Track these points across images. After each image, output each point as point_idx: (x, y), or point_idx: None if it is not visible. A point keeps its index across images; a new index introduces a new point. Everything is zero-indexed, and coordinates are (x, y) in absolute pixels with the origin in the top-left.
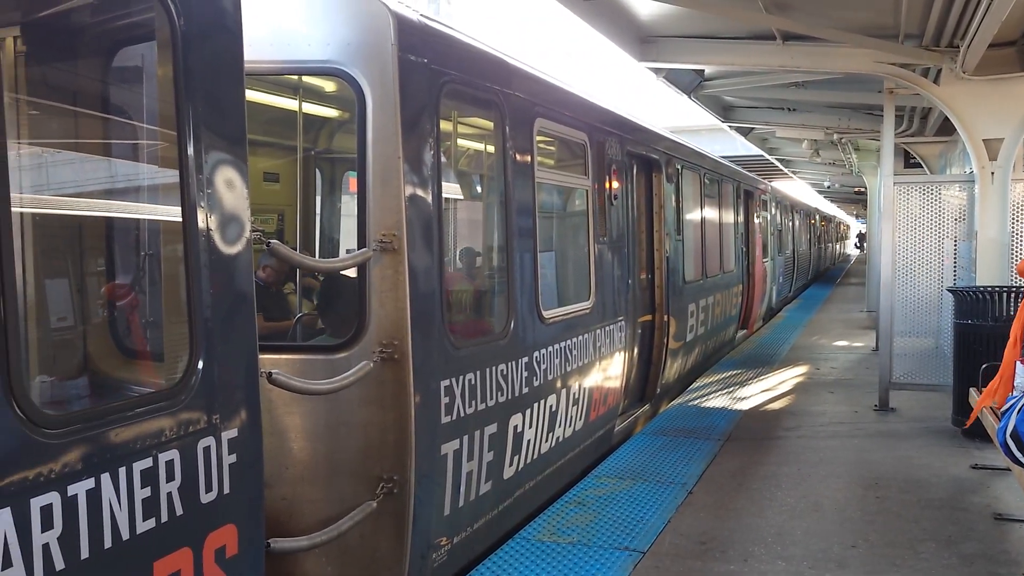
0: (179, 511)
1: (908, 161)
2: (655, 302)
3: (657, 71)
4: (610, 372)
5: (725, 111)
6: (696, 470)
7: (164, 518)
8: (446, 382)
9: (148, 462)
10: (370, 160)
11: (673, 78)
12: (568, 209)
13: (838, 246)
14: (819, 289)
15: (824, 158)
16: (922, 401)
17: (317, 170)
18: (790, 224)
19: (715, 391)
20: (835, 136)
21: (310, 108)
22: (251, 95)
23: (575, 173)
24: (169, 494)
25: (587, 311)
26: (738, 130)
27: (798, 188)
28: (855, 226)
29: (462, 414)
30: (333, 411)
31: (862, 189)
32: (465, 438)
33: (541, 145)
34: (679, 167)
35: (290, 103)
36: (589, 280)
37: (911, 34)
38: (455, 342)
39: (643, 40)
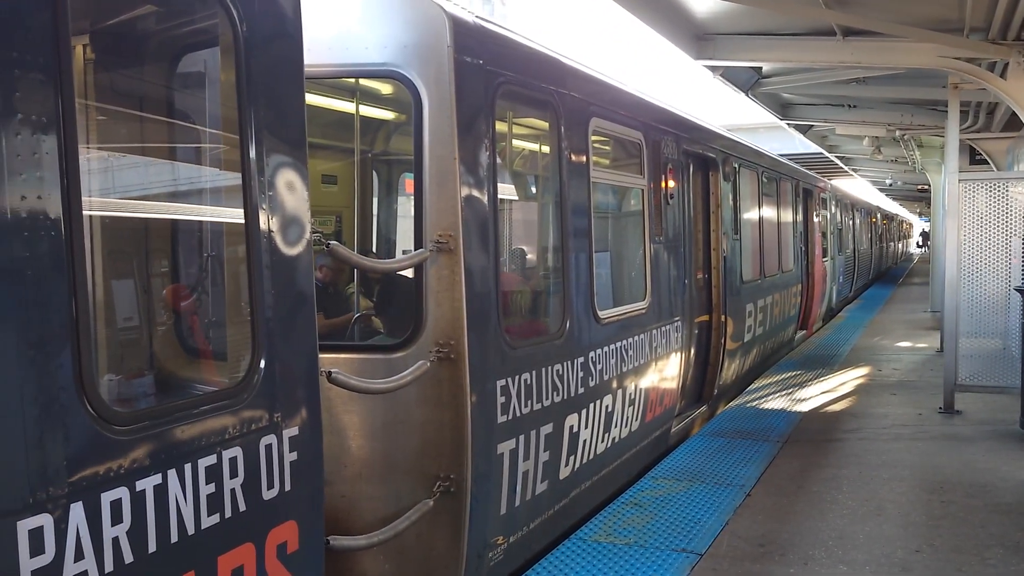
0: (242, 507)
1: (974, 157)
2: (712, 302)
3: (714, 69)
4: (666, 373)
5: (783, 109)
6: (754, 472)
7: (228, 514)
8: (502, 382)
9: (212, 459)
10: (426, 161)
11: (730, 76)
12: (624, 209)
13: (900, 245)
14: (881, 289)
15: (886, 155)
16: (989, 404)
17: (374, 172)
18: (850, 222)
19: (773, 392)
20: (897, 133)
21: (367, 111)
22: (310, 98)
23: (631, 172)
24: (232, 490)
25: (643, 311)
26: (796, 128)
27: (859, 186)
28: (918, 224)
29: (518, 414)
30: (391, 410)
31: (925, 187)
32: (521, 438)
33: (596, 145)
34: (736, 165)
35: (347, 106)
36: (645, 280)
37: (977, 27)
38: (511, 342)
39: (699, 38)
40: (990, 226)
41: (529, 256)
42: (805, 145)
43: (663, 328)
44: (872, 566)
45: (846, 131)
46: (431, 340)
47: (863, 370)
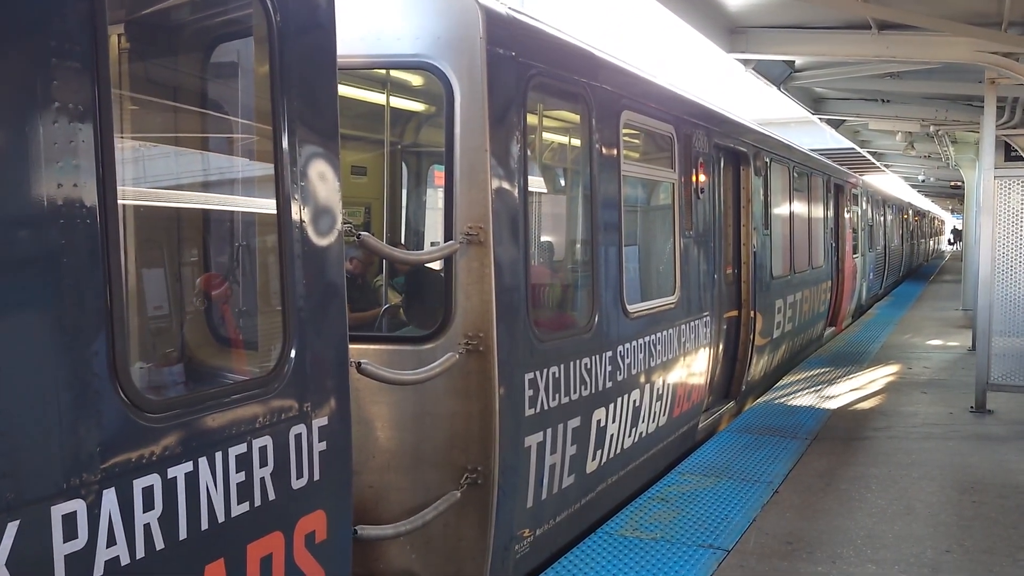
0: (271, 496)
1: (1009, 154)
2: (741, 297)
3: (746, 63)
4: (694, 368)
5: (815, 103)
6: (782, 469)
7: (257, 502)
8: (530, 375)
9: (243, 447)
10: (457, 153)
11: (762, 69)
12: (654, 203)
13: (932, 242)
14: (911, 286)
15: (919, 151)
16: (1021, 404)
17: (404, 163)
18: (882, 219)
19: (802, 389)
20: (931, 128)
21: (397, 102)
22: (341, 89)
23: (661, 166)
24: (262, 479)
25: (672, 306)
26: (829, 122)
27: (891, 182)
28: (950, 221)
29: (546, 407)
30: (419, 401)
31: (959, 183)
32: (548, 431)
33: (627, 138)
34: (767, 160)
35: (378, 97)
36: (674, 274)
37: (1015, 22)
38: (539, 335)
39: (732, 31)
40: None
41: (559, 249)
42: (837, 140)
43: (692, 323)
44: (901, 565)
45: (879, 126)
46: (460, 332)
47: (893, 368)
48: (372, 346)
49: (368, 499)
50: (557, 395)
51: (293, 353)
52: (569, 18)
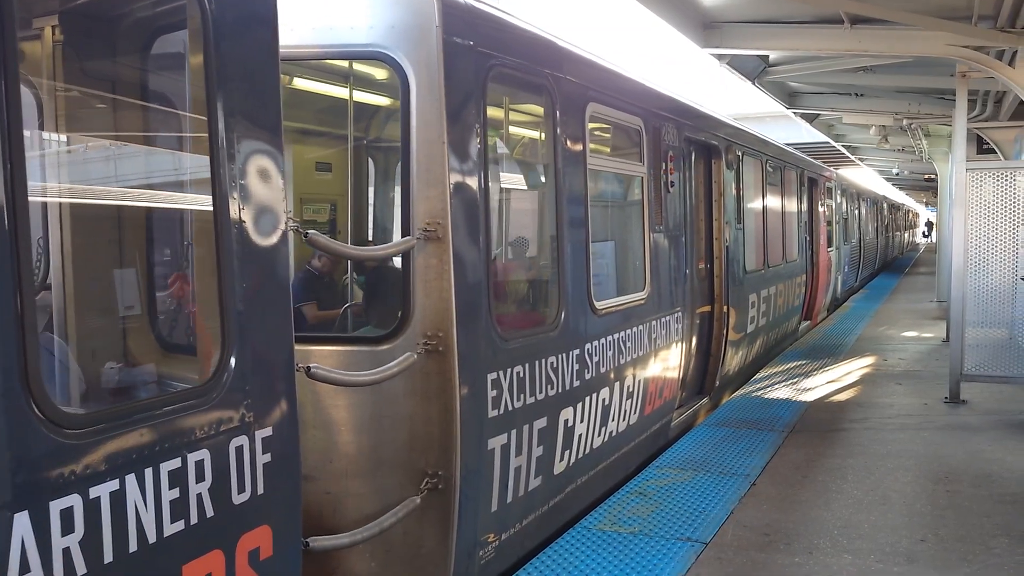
0: (209, 513)
1: (981, 147)
2: (714, 292)
3: (720, 57)
4: (666, 365)
5: (790, 97)
6: (760, 461)
7: (194, 520)
8: (493, 375)
9: (176, 462)
10: (414, 146)
11: (737, 64)
12: (622, 197)
13: (907, 235)
14: (887, 279)
15: (893, 144)
16: (995, 393)
17: (370, 159)
18: (856, 212)
19: (779, 382)
20: (904, 122)
21: (362, 96)
22: (302, 83)
23: (630, 160)
24: (199, 495)
25: (642, 302)
26: (803, 117)
27: (865, 175)
28: (924, 214)
29: (510, 408)
30: (377, 404)
31: (932, 176)
32: (513, 432)
33: (594, 131)
34: (740, 153)
35: (342, 91)
36: (644, 270)
37: (985, 15)
38: (503, 334)
39: (706, 26)
40: (997, 215)
41: (522, 246)
42: (812, 134)
43: (663, 319)
44: (877, 555)
45: (853, 120)
46: (419, 331)
47: (869, 360)
48: (331, 347)
49: (326, 505)
50: (522, 395)
51: (233, 360)
52: (547, 16)
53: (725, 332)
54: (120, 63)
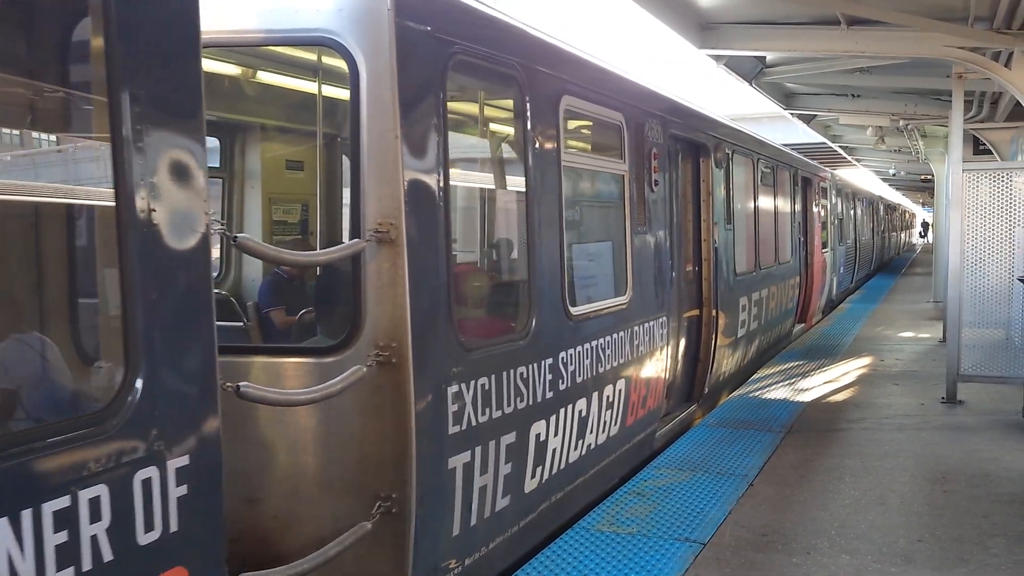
0: (107, 556)
1: (977, 147)
2: (703, 296)
3: (718, 59)
4: (650, 372)
5: (787, 98)
6: (757, 462)
7: (87, 566)
8: (454, 388)
9: (64, 501)
10: (364, 140)
11: (734, 65)
12: (601, 196)
13: (903, 235)
14: (883, 279)
15: (889, 145)
16: (992, 394)
17: (344, 156)
18: (852, 213)
19: (776, 382)
20: (901, 122)
21: (331, 90)
22: (269, 77)
23: (609, 157)
24: (93, 537)
25: (623, 307)
26: (800, 117)
27: (861, 176)
28: (920, 214)
29: (474, 423)
30: (325, 421)
31: (929, 176)
32: (478, 449)
33: (569, 126)
34: (729, 152)
35: (311, 86)
36: (626, 273)
37: (981, 17)
38: (466, 343)
39: (703, 27)
40: (993, 216)
41: (489, 248)
42: (809, 135)
43: (646, 325)
44: (874, 555)
45: (850, 121)
46: (370, 342)
47: (866, 360)
48: (276, 359)
49: (273, 530)
50: (487, 409)
51: (139, 381)
52: (547, 19)
53: (714, 337)
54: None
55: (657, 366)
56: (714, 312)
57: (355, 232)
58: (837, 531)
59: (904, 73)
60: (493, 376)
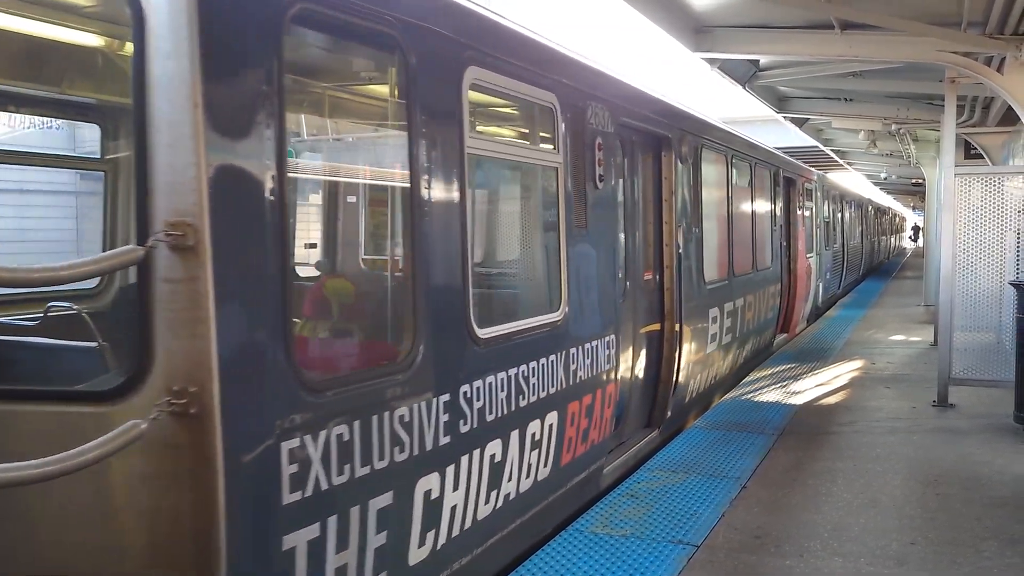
0: None
1: (969, 152)
2: (664, 308)
3: (711, 62)
4: (592, 401)
5: (780, 102)
6: (750, 464)
7: None
8: (292, 443)
9: None
10: (152, 112)
11: (727, 69)
12: (527, 193)
13: (893, 239)
14: (874, 283)
15: (881, 149)
16: (983, 397)
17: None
18: (840, 216)
19: (768, 385)
20: (893, 126)
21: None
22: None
23: (536, 145)
24: None
25: (556, 325)
26: (793, 121)
27: (851, 178)
28: (911, 218)
29: (324, 487)
30: (99, 493)
31: (920, 180)
32: (331, 520)
33: (477, 105)
34: (697, 146)
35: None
36: (559, 285)
37: (974, 22)
38: (311, 382)
39: (697, 30)
40: (985, 220)
41: (352, 256)
42: (801, 138)
43: (587, 345)
44: (867, 558)
45: (842, 125)
46: (161, 386)
47: (857, 363)
48: (43, 406)
49: None
50: (347, 467)
51: None
52: (546, 20)
53: (678, 354)
54: None
55: (602, 392)
56: (677, 326)
57: (142, 236)
58: (830, 533)
59: (897, 77)
60: (357, 422)
